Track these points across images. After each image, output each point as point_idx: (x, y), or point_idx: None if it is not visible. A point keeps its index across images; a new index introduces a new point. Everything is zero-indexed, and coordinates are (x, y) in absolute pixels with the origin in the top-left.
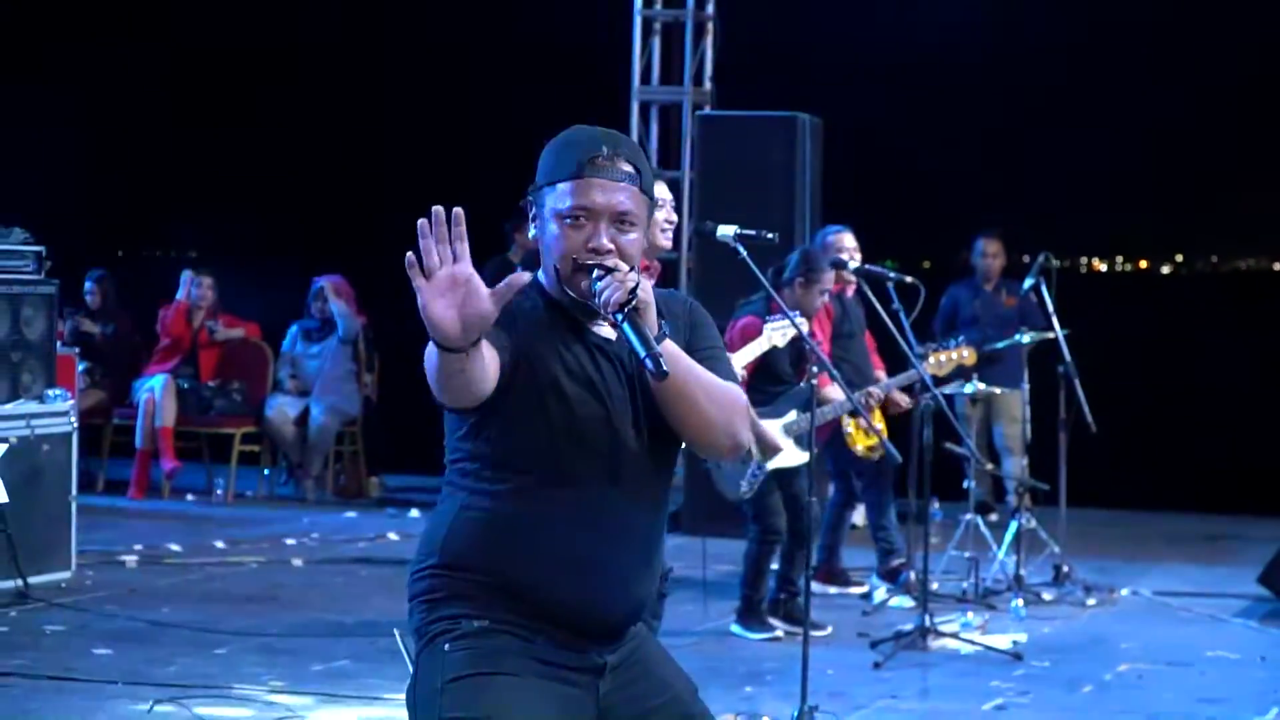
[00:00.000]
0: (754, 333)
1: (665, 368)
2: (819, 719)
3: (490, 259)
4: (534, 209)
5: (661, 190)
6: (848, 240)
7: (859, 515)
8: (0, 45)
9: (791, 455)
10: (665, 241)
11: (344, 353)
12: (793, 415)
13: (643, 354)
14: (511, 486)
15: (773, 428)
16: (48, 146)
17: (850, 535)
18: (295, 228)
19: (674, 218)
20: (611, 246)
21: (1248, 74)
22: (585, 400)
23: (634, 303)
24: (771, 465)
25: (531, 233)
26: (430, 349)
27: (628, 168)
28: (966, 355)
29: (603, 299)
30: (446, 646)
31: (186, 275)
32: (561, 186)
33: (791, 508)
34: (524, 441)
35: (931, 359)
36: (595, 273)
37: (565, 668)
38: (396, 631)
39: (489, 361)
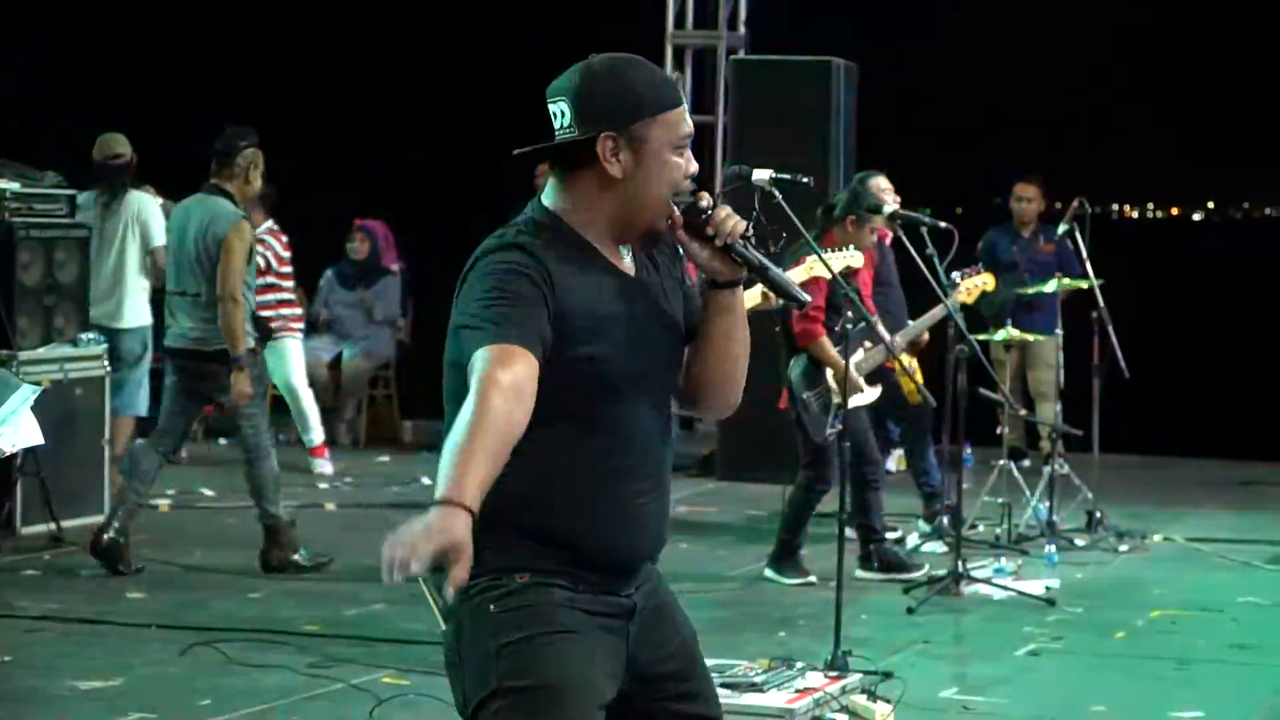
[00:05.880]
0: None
1: (804, 296)
2: (852, 664)
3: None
4: (617, 144)
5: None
6: (884, 183)
7: (892, 461)
8: None
9: (866, 394)
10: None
11: (381, 300)
12: (860, 354)
13: (787, 288)
14: (542, 433)
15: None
16: (84, 85)
17: (885, 480)
18: (335, 169)
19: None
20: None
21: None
22: (616, 342)
23: (748, 230)
24: (851, 404)
25: (615, 169)
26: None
27: None
28: (988, 280)
29: (724, 229)
30: (492, 608)
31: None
32: (674, 114)
33: (853, 451)
34: (554, 391)
35: (962, 286)
36: (704, 203)
37: (607, 615)
38: (421, 579)
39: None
